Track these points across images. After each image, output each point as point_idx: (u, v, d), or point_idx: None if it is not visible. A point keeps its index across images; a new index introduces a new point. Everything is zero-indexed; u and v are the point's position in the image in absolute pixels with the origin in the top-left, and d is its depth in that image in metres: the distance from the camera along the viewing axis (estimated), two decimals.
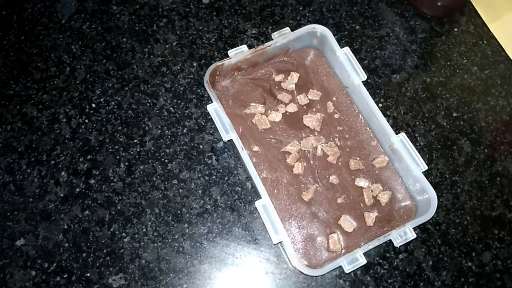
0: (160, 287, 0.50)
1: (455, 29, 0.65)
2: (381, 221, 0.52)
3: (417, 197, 0.52)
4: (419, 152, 0.57)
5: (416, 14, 0.65)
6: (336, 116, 0.57)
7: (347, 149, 0.56)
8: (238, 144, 0.51)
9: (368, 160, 0.55)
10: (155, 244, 0.52)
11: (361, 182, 0.54)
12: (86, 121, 0.58)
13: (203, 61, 0.61)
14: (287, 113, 0.57)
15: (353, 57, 0.56)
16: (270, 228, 0.47)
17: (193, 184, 0.55)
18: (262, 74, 0.59)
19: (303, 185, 0.54)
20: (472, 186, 0.56)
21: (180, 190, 0.55)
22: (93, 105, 0.58)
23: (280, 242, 0.49)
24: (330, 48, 0.57)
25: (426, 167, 0.51)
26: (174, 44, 0.62)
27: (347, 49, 0.56)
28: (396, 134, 0.52)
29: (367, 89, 0.53)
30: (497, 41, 0.64)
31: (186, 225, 0.53)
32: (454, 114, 0.60)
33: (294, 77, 0.58)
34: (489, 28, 0.64)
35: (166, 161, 0.56)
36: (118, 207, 0.53)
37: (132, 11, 0.64)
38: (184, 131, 0.58)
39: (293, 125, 0.57)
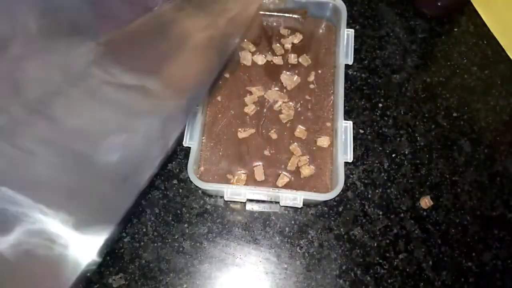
0: (160, 287, 0.51)
1: (455, 29, 0.65)
2: (290, 188, 0.53)
3: (333, 186, 0.51)
4: (418, 152, 0.57)
5: (416, 14, 0.65)
6: (312, 86, 0.58)
7: (302, 118, 0.57)
8: None
9: (313, 136, 0.56)
10: (155, 244, 0.52)
11: (295, 150, 0.54)
12: None
13: None
14: (271, 63, 0.59)
15: (352, 40, 0.56)
16: (189, 132, 0.50)
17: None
18: (271, 22, 0.61)
19: (244, 124, 0.56)
20: (472, 186, 0.56)
21: (180, 190, 0.55)
22: None
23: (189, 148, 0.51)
24: (342, 26, 0.58)
25: (351, 159, 0.50)
26: None
27: (351, 31, 0.57)
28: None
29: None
30: (497, 41, 0.64)
31: (186, 225, 0.53)
32: (454, 114, 0.60)
33: (298, 36, 0.60)
34: (489, 28, 0.64)
35: (166, 161, 0.56)
36: None
37: None
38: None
39: (270, 75, 0.59)
